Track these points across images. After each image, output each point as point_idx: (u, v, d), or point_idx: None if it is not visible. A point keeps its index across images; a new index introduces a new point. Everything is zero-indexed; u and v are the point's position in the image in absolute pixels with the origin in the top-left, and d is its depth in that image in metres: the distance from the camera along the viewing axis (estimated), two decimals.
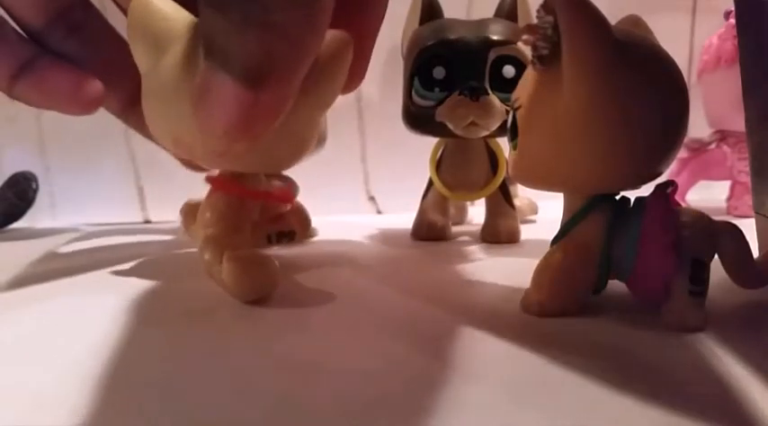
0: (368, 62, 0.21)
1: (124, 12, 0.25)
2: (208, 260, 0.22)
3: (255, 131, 0.15)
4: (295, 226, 0.27)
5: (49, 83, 0.22)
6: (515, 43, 0.30)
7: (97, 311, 0.21)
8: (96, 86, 0.23)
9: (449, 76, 0.30)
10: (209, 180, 0.23)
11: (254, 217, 0.24)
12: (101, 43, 0.24)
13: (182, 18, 0.18)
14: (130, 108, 0.25)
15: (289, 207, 0.27)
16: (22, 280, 0.26)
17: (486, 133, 0.30)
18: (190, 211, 0.26)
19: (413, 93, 0.31)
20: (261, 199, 0.25)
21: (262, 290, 0.21)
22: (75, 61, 0.23)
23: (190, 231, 0.27)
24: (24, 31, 0.23)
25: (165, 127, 0.19)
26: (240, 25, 0.13)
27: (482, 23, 0.31)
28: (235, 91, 0.14)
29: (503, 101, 0.29)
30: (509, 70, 0.30)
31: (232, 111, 0.15)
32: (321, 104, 0.20)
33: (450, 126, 0.30)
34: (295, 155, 0.21)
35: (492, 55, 0.30)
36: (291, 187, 0.33)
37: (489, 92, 0.29)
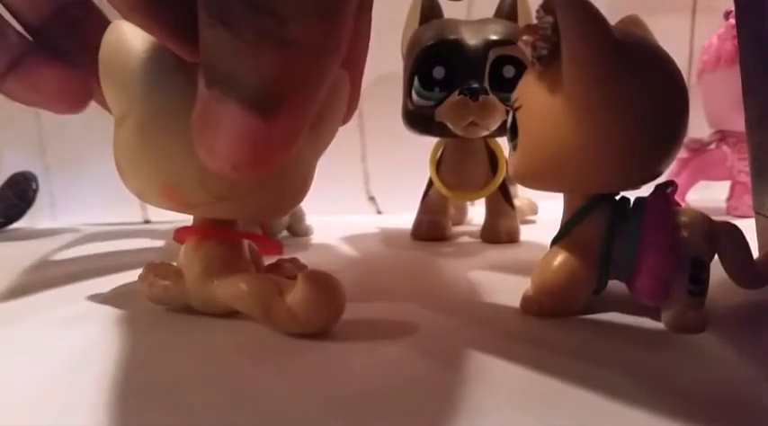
0: (359, 94, 0.21)
1: None
2: (251, 292, 0.18)
3: (268, 163, 0.14)
4: (295, 274, 0.23)
5: (36, 79, 0.22)
6: (515, 43, 0.30)
7: (94, 312, 0.21)
8: (85, 85, 0.22)
9: (449, 76, 0.30)
10: (185, 231, 0.20)
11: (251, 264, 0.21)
12: (98, 41, 0.24)
13: (160, 53, 0.17)
14: None
15: (277, 256, 0.23)
16: (23, 283, 0.26)
17: (485, 133, 0.30)
18: (158, 274, 0.20)
19: (413, 92, 0.31)
20: (257, 241, 0.22)
21: (335, 316, 0.18)
22: (71, 59, 0.23)
23: (161, 295, 0.20)
24: (23, 26, 0.23)
25: (152, 175, 0.17)
26: (253, 44, 0.12)
27: (482, 23, 0.31)
28: (246, 120, 0.13)
29: (503, 100, 0.29)
30: (509, 70, 0.30)
31: (243, 143, 0.13)
32: (323, 142, 0.19)
33: (450, 126, 0.30)
34: (297, 197, 0.19)
35: (492, 55, 0.30)
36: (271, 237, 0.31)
37: (489, 92, 0.29)
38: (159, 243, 0.35)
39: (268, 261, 0.23)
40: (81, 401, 0.14)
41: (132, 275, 0.26)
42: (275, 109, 0.12)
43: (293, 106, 0.13)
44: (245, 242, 0.21)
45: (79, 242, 0.36)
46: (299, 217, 0.37)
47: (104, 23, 0.25)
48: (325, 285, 0.18)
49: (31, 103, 0.22)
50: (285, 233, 0.37)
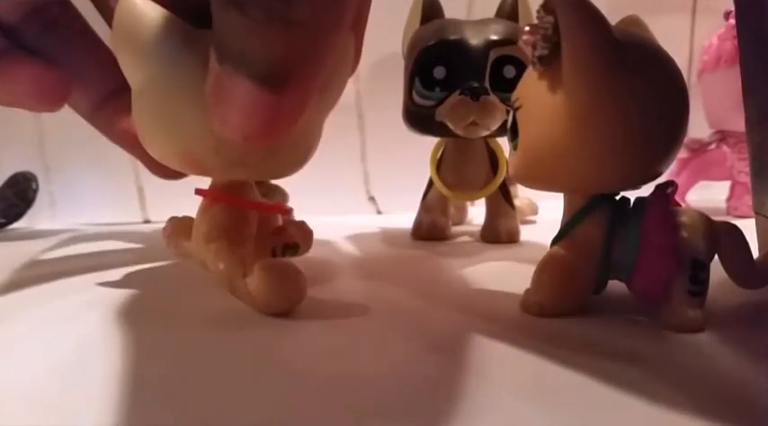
0: (361, 46, 0.21)
1: (106, 19, 0.24)
2: (224, 270, 0.20)
3: (278, 134, 0.14)
4: (298, 238, 0.25)
5: (10, 77, 0.22)
6: (516, 43, 0.30)
7: (96, 312, 0.21)
8: (62, 83, 0.22)
9: (449, 76, 0.30)
10: (201, 192, 0.22)
11: (254, 229, 0.22)
12: (76, 41, 0.24)
13: (173, 24, 0.17)
14: (99, 109, 0.25)
15: (283, 218, 0.25)
16: (22, 281, 0.26)
17: (486, 133, 0.30)
18: (177, 228, 0.24)
19: (413, 92, 0.31)
20: (261, 210, 0.23)
21: (292, 302, 0.19)
22: (47, 58, 0.23)
23: (179, 248, 0.24)
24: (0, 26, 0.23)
25: (171, 142, 0.18)
26: (262, 23, 0.13)
27: (483, 23, 0.31)
28: (255, 94, 0.13)
29: (503, 100, 0.29)
30: (509, 70, 0.30)
31: (253, 115, 0.14)
32: (329, 104, 0.20)
33: (451, 126, 0.30)
34: (305, 158, 0.21)
35: (492, 55, 0.30)
36: (283, 197, 0.32)
37: (490, 91, 0.29)
38: (159, 242, 0.35)
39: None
40: (81, 399, 0.14)
41: (132, 275, 0.26)
42: (283, 83, 0.13)
43: (300, 80, 0.13)
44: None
45: (78, 241, 0.36)
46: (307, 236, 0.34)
47: (82, 24, 0.25)
48: (280, 273, 0.19)
49: (6, 102, 0.22)
50: None
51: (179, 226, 0.23)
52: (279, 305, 0.19)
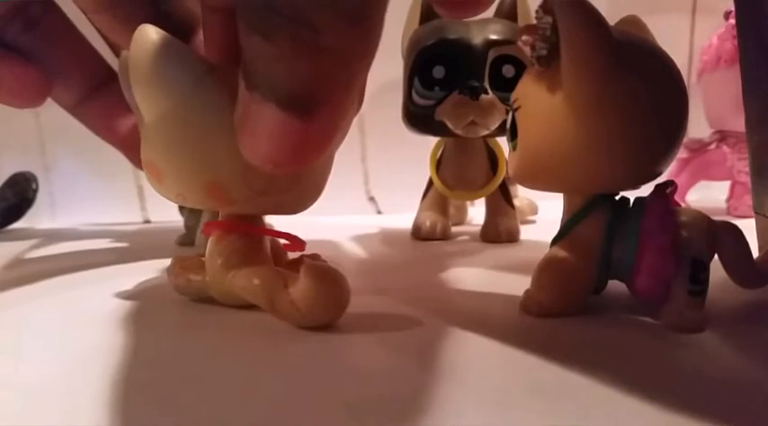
0: (365, 87, 0.21)
1: (112, 48, 0.24)
2: (260, 284, 0.19)
3: (307, 161, 0.14)
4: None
5: None
6: (515, 43, 0.30)
7: (96, 311, 0.21)
8: (43, 80, 0.22)
9: (449, 76, 0.30)
10: (212, 227, 0.21)
11: (270, 257, 0.21)
12: (58, 38, 0.24)
13: (189, 54, 0.17)
14: (83, 104, 0.25)
15: (298, 253, 0.23)
16: (21, 281, 0.26)
17: (485, 132, 0.30)
18: (185, 265, 0.21)
19: (413, 92, 0.31)
20: (281, 237, 0.22)
21: (340, 309, 0.18)
22: (30, 55, 0.23)
23: (191, 284, 0.21)
24: None
25: (195, 175, 0.18)
26: (289, 51, 0.12)
27: (482, 23, 0.31)
28: (284, 121, 0.13)
29: (502, 100, 0.29)
30: (509, 70, 0.30)
31: (282, 142, 0.14)
32: (342, 137, 0.19)
33: (450, 125, 0.30)
34: (321, 190, 0.20)
35: (492, 54, 0.30)
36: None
37: (489, 91, 0.29)
38: (159, 242, 0.35)
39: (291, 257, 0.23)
40: (82, 400, 0.14)
41: (132, 274, 0.26)
42: (312, 110, 0.13)
43: (328, 107, 0.13)
44: (267, 238, 0.21)
45: (79, 241, 0.36)
46: None
47: (64, 21, 0.25)
48: (327, 279, 0.18)
49: None
50: None
51: (186, 264, 0.21)
52: (326, 313, 0.18)
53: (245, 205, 0.19)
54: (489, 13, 0.33)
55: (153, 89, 0.17)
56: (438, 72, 0.30)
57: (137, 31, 0.17)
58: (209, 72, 0.17)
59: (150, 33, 0.17)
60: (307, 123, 0.13)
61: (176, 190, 0.19)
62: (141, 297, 0.22)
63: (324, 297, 0.18)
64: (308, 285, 0.18)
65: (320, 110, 0.13)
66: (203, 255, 0.21)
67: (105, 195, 0.47)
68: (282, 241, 0.22)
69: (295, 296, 0.18)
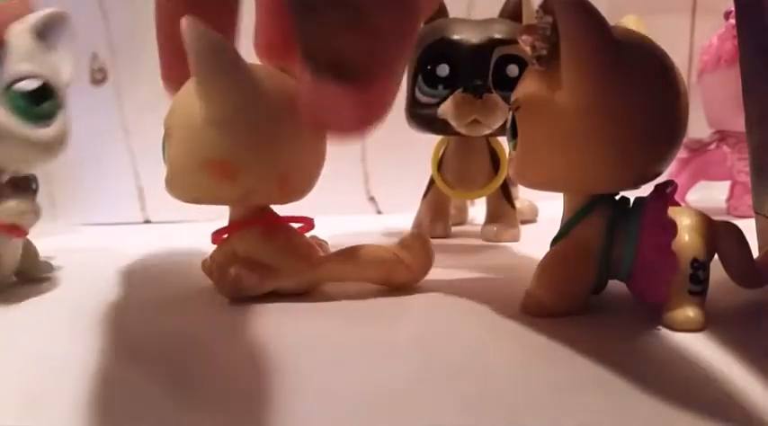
0: None
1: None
2: (376, 258, 0.22)
3: (368, 128, 0.15)
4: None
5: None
6: (519, 42, 0.30)
7: (95, 312, 0.21)
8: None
9: (453, 74, 0.30)
10: (238, 225, 0.21)
11: None
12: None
13: (238, 54, 0.18)
14: None
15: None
16: (21, 281, 0.26)
17: (488, 131, 0.30)
18: (242, 266, 0.21)
19: (416, 90, 0.31)
20: (297, 221, 0.23)
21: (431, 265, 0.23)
22: None
23: (254, 285, 0.21)
24: None
25: (269, 168, 0.19)
26: (336, 30, 0.13)
27: (486, 23, 0.31)
28: (344, 95, 0.14)
29: (506, 100, 0.29)
30: (513, 69, 0.30)
31: (346, 113, 0.15)
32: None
33: (453, 123, 0.30)
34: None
35: (496, 53, 0.30)
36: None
37: (492, 90, 0.30)
38: (159, 242, 0.35)
39: None
40: (80, 399, 0.14)
41: (131, 274, 0.26)
42: (367, 83, 0.14)
43: (381, 80, 0.14)
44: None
45: (78, 241, 0.36)
46: (33, 255, 0.25)
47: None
48: (428, 244, 0.23)
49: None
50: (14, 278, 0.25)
51: (246, 265, 0.21)
52: (428, 267, 0.23)
53: (299, 196, 0.21)
54: (491, 13, 0.33)
55: (225, 85, 0.18)
56: (442, 70, 0.30)
57: (204, 33, 0.17)
58: (250, 69, 0.18)
59: (216, 35, 0.18)
60: (363, 95, 0.14)
61: (249, 186, 0.19)
62: (140, 297, 0.22)
63: (429, 256, 0.23)
64: (419, 251, 0.22)
65: (374, 83, 0.14)
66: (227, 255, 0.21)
67: (105, 195, 0.47)
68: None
69: (408, 260, 0.22)
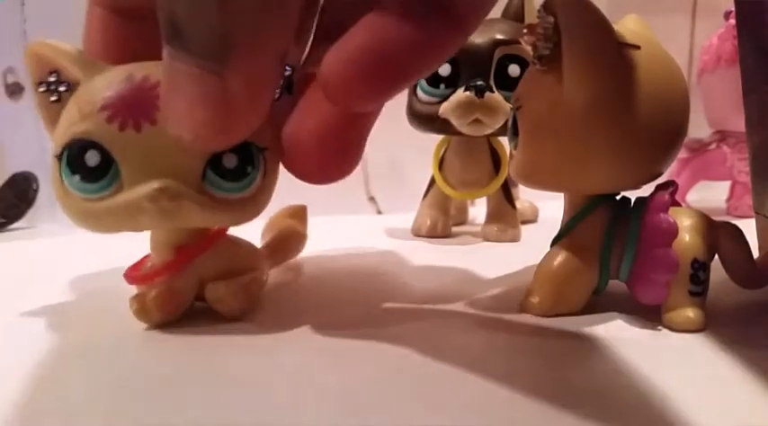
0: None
1: None
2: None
3: (230, 127, 0.13)
4: None
5: None
6: (521, 42, 0.30)
7: (97, 310, 0.21)
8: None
9: (454, 73, 0.30)
10: (194, 253, 0.19)
11: None
12: None
13: None
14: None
15: None
16: (21, 280, 0.26)
17: (489, 130, 0.30)
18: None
19: (418, 89, 0.31)
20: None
21: None
22: None
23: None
24: None
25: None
26: (197, 2, 0.12)
27: (488, 23, 0.31)
28: (198, 74, 0.12)
29: (507, 99, 0.29)
30: (514, 69, 0.30)
31: (200, 101, 0.13)
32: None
33: (455, 122, 0.30)
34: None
35: (498, 53, 0.30)
36: None
37: (494, 89, 0.30)
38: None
39: None
40: (80, 399, 0.14)
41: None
42: (224, 60, 0.12)
43: (242, 58, 0.12)
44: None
45: (77, 241, 0.36)
46: None
47: None
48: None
49: None
50: None
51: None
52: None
53: None
54: (496, 13, 0.33)
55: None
56: (444, 69, 0.30)
57: None
58: None
59: None
60: (221, 75, 0.12)
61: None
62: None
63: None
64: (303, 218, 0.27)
65: (233, 62, 0.12)
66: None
67: None
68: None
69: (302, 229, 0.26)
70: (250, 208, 0.17)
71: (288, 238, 0.25)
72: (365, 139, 0.17)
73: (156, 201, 0.16)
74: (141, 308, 0.18)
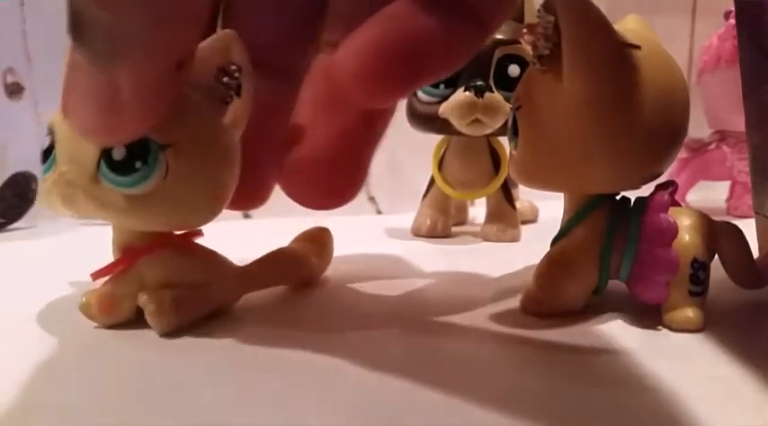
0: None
1: None
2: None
3: (119, 128, 0.13)
4: None
5: None
6: (521, 42, 0.30)
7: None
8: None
9: (454, 73, 0.30)
10: (140, 253, 0.18)
11: None
12: None
13: None
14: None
15: None
16: (21, 280, 0.26)
17: (489, 130, 0.30)
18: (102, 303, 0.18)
19: (417, 89, 0.31)
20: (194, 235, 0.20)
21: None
22: None
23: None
24: None
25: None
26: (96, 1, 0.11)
27: None
28: (90, 69, 0.12)
29: (507, 99, 0.29)
30: (514, 69, 0.30)
31: (89, 99, 0.13)
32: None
33: (455, 122, 0.30)
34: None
35: (498, 53, 0.30)
36: None
37: (494, 89, 0.30)
38: None
39: None
40: (79, 398, 0.14)
41: None
42: (115, 58, 0.12)
43: (135, 57, 0.12)
44: None
45: (78, 241, 0.36)
46: None
47: None
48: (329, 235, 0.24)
49: None
50: None
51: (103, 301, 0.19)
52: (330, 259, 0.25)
53: None
54: None
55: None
56: None
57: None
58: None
59: None
60: (110, 74, 0.12)
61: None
62: None
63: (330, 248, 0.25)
64: (325, 243, 0.24)
65: (124, 61, 0.12)
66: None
67: None
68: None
69: (315, 253, 0.23)
70: (148, 208, 0.16)
71: (282, 262, 0.22)
72: (369, 163, 0.16)
73: (56, 185, 0.16)
74: (86, 304, 0.18)
